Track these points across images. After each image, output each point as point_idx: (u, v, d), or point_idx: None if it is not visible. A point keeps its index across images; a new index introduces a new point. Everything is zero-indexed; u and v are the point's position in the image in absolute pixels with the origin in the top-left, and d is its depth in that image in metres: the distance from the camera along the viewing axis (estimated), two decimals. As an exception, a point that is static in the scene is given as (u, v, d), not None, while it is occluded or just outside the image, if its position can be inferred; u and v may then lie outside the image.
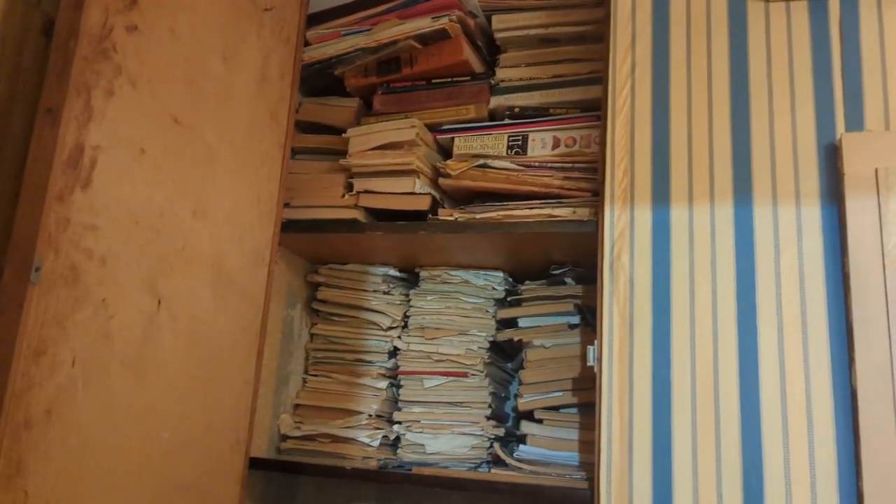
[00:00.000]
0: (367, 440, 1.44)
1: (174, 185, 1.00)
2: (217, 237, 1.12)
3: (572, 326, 1.44)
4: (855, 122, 1.11)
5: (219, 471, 1.14)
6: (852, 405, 1.00)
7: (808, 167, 1.11)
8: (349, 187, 1.45)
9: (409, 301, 1.56)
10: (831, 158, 1.10)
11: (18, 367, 0.73)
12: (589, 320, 1.43)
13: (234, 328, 1.18)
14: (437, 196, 1.44)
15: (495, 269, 1.55)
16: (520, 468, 1.32)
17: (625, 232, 1.16)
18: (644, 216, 1.16)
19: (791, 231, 1.09)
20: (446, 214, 1.39)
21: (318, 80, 1.58)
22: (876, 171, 1.05)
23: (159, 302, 0.97)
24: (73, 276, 0.80)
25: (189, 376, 1.05)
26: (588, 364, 1.15)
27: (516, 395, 1.46)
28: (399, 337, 1.54)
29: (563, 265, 1.49)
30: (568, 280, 1.49)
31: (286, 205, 1.44)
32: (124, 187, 0.89)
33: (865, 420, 0.98)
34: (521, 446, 1.36)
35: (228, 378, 1.17)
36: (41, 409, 0.76)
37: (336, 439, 1.47)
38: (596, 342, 1.14)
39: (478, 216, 1.36)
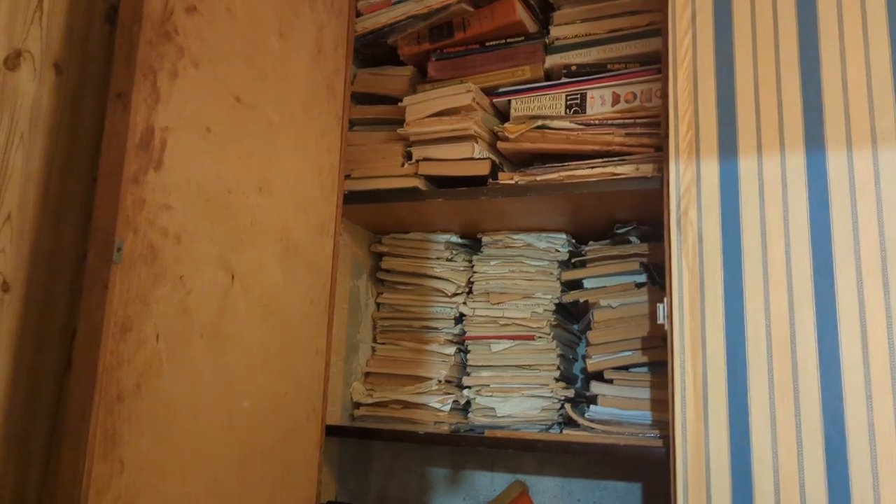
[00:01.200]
0: (438, 405, 1.46)
1: (239, 163, 1.02)
2: (283, 211, 1.14)
3: (639, 285, 1.42)
4: (935, 57, 1.05)
5: (297, 437, 1.18)
6: (939, 353, 0.96)
7: (883, 107, 1.06)
8: (408, 156, 1.45)
9: (472, 267, 1.57)
10: (910, 97, 1.05)
11: (108, 345, 0.77)
12: (656, 279, 1.41)
13: (304, 300, 1.20)
14: (497, 160, 1.43)
15: (558, 230, 1.54)
16: (592, 428, 1.32)
17: (691, 187, 1.14)
18: (711, 169, 1.13)
19: (868, 175, 1.05)
20: (506, 178, 1.38)
21: (372, 51, 1.58)
22: (960, 107, 0.99)
23: (233, 277, 1.00)
24: (151, 254, 0.83)
25: (264, 348, 1.08)
26: (658, 322, 1.13)
27: (584, 357, 1.46)
28: (464, 303, 1.55)
29: (626, 224, 1.47)
30: (633, 239, 1.47)
31: (347, 176, 1.46)
32: (193, 166, 0.92)
33: (954, 368, 0.94)
34: (592, 406, 1.35)
35: (301, 348, 1.20)
36: (131, 384, 0.80)
37: (407, 405, 1.49)
38: (665, 300, 1.12)
39: (538, 178, 1.35)
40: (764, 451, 1.01)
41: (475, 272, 1.56)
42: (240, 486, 1.01)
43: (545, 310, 1.50)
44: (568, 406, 1.42)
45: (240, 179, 1.02)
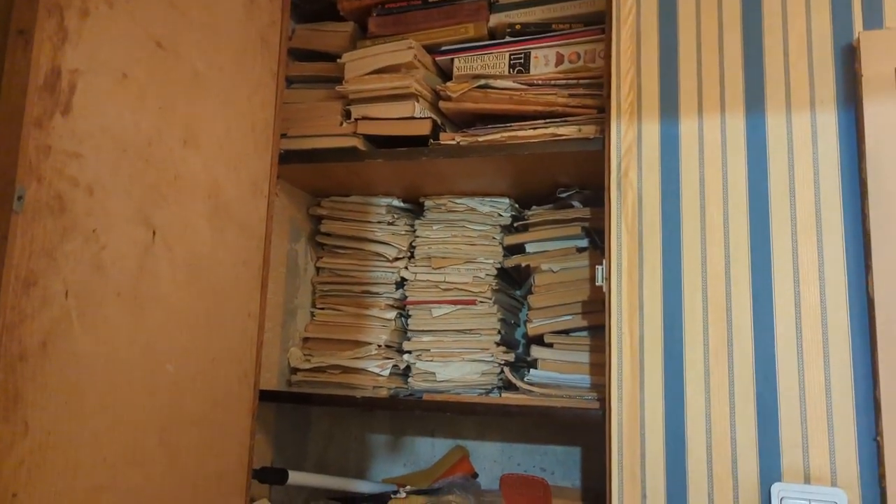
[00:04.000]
0: (377, 370, 1.44)
1: (161, 113, 0.96)
2: (211, 167, 1.09)
3: (580, 250, 1.41)
4: (873, 19, 1.05)
5: (228, 403, 1.14)
6: (868, 313, 0.97)
7: (823, 70, 1.06)
8: (347, 114, 1.41)
9: (414, 231, 1.54)
10: (848, 60, 1.05)
11: (8, 300, 0.71)
12: (597, 243, 1.40)
13: (235, 261, 1.16)
14: (439, 120, 1.39)
15: (501, 195, 1.52)
16: (531, 391, 1.31)
17: (632, 147, 1.12)
18: (652, 130, 1.12)
19: (805, 138, 1.05)
20: (448, 139, 1.34)
21: (310, 5, 1.52)
22: (896, 70, 1.00)
23: (154, 233, 0.95)
24: (58, 205, 0.78)
25: (190, 309, 1.03)
26: (597, 284, 1.12)
27: (526, 322, 1.45)
28: (406, 267, 1.52)
29: (569, 188, 1.45)
30: (575, 203, 1.45)
31: (283, 135, 1.40)
32: (108, 113, 0.86)
33: (882, 328, 0.95)
34: (532, 370, 1.35)
35: (232, 312, 1.15)
36: (36, 342, 0.75)
37: (346, 370, 1.46)
38: (604, 261, 1.11)
39: (481, 139, 1.32)
40: (697, 410, 1.01)
41: (417, 236, 1.53)
42: (163, 452, 0.97)
43: (487, 274, 1.48)
44: (507, 370, 1.41)
45: (162, 130, 0.97)
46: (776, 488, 0.96)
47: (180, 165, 1.01)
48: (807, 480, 0.96)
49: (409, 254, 1.54)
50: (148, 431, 0.94)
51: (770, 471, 0.97)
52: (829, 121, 1.04)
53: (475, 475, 1.57)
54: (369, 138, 1.41)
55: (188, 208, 1.03)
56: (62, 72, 0.79)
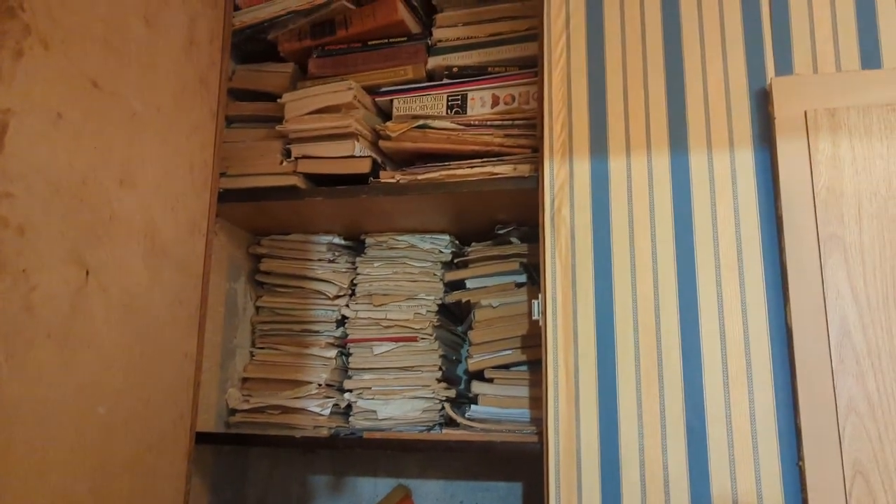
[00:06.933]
0: (317, 409, 1.43)
1: (97, 153, 0.96)
2: (147, 207, 1.08)
3: (519, 285, 1.44)
4: (784, 66, 1.12)
5: (163, 446, 1.12)
6: (788, 343, 1.02)
7: (740, 113, 1.12)
8: (287, 154, 1.42)
9: (355, 269, 1.54)
10: (762, 103, 1.11)
11: (-68, 342, 0.70)
12: (535, 278, 1.44)
13: (172, 301, 1.15)
14: (379, 159, 1.41)
15: (441, 232, 1.54)
16: (471, 427, 1.32)
17: (564, 185, 1.16)
18: (583, 169, 1.16)
19: (726, 176, 1.11)
20: (388, 177, 1.37)
21: (251, 46, 1.54)
22: (805, 113, 1.06)
23: (87, 273, 0.93)
24: (-13, 245, 0.77)
25: (125, 350, 1.02)
26: (533, 318, 1.15)
27: (467, 358, 1.46)
28: (347, 305, 1.53)
29: (507, 225, 1.49)
30: (513, 239, 1.49)
31: (222, 174, 1.40)
32: (41, 153, 0.85)
33: (801, 358, 1.00)
34: (473, 406, 1.36)
35: (168, 352, 1.14)
36: (-39, 386, 0.73)
37: (286, 410, 1.45)
38: (540, 296, 1.14)
39: (420, 177, 1.35)
40: (631, 441, 1.04)
41: (358, 274, 1.54)
42: (94, 499, 0.95)
43: (428, 311, 1.49)
44: (447, 406, 1.41)
45: (97, 170, 0.96)
46: (708, 515, 0.99)
47: (115, 205, 1.00)
48: (736, 506, 0.99)
49: (350, 291, 1.54)
50: (78, 477, 0.91)
51: (701, 497, 1.00)
52: (746, 160, 1.10)
53: (418, 513, 1.56)
54: (309, 177, 1.42)
55: (123, 248, 1.02)
56: (-7, 112, 0.78)
